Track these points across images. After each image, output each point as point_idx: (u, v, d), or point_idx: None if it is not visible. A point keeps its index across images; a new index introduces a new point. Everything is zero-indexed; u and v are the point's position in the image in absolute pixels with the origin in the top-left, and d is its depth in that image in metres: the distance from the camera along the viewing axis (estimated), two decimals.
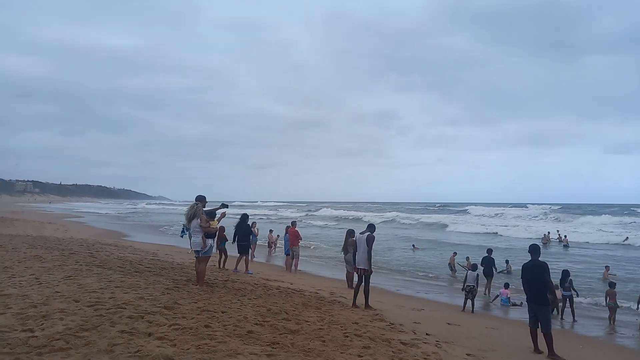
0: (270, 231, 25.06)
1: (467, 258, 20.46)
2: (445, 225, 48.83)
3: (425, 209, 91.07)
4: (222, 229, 16.18)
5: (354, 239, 13.86)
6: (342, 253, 14.23)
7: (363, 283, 10.10)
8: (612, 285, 12.87)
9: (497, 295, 14.64)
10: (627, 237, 34.05)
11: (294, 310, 8.22)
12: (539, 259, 7.97)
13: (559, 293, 12.70)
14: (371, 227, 10.71)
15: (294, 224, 17.84)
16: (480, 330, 9.41)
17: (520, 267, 8.69)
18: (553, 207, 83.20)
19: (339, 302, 10.14)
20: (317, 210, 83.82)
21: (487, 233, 41.00)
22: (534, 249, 8.08)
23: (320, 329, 7.03)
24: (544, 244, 30.62)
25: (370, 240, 10.22)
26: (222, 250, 15.15)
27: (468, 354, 7.03)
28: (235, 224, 15.56)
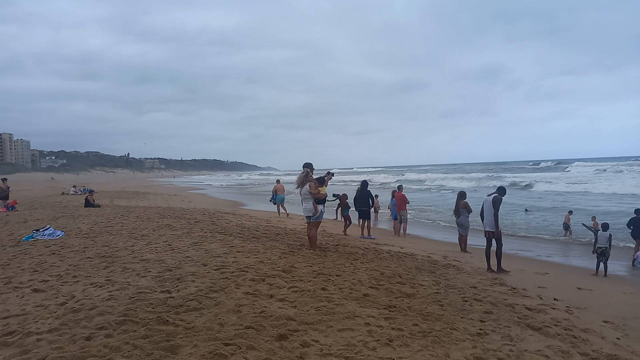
0: (376, 196, 25.03)
1: (594, 218, 18.74)
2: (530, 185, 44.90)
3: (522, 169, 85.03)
4: (344, 196, 16.81)
5: (466, 200, 13.28)
6: (454, 216, 13.71)
7: (493, 246, 10.06)
8: None
9: (635, 258, 13.14)
10: None
11: (408, 274, 8.11)
12: None
13: None
14: (501, 190, 10.34)
15: (400, 187, 17.57)
16: (616, 296, 8.50)
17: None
18: None
19: (453, 266, 9.81)
20: (403, 175, 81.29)
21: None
22: None
23: (437, 292, 6.85)
24: None
25: (496, 202, 10.01)
26: (347, 217, 15.83)
27: (605, 321, 6.38)
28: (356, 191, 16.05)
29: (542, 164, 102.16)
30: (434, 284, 7.56)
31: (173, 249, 8.67)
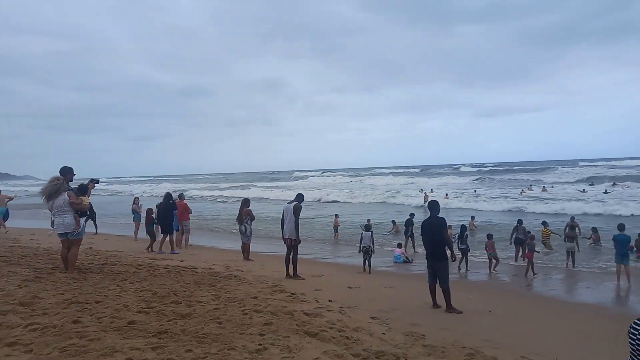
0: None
1: (394, 221, 21.53)
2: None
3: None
4: (149, 210, 15.29)
5: (249, 208, 13.20)
6: (237, 223, 13.47)
7: (292, 253, 10.22)
8: (489, 236, 13.88)
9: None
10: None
11: (185, 291, 7.37)
12: (438, 215, 8.01)
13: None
14: (300, 197, 10.43)
15: (181, 196, 16.59)
16: (380, 291, 9.42)
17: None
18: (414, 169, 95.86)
19: (235, 277, 9.45)
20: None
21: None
22: (433, 206, 8.11)
23: (215, 309, 6.31)
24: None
25: (297, 210, 10.09)
26: (151, 233, 14.45)
27: (372, 317, 6.85)
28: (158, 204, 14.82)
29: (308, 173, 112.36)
30: (214, 298, 7.02)
31: None
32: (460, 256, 13.38)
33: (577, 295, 10.94)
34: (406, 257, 14.77)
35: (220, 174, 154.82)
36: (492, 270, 13.10)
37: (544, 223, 16.32)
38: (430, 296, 8.04)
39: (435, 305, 7.94)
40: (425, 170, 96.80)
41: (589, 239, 16.50)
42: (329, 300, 7.68)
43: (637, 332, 4.89)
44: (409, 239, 17.06)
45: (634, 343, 4.90)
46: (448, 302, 7.72)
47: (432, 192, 39.61)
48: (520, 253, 14.48)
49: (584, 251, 15.15)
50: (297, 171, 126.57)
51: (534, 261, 12.67)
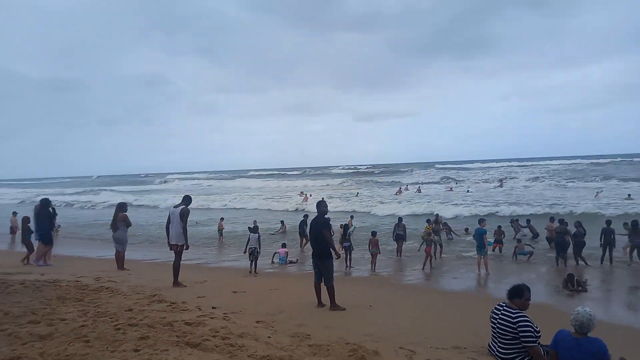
0: (14, 213, 20.81)
1: (282, 222, 21.56)
2: None
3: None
4: (26, 219, 13.70)
5: (125, 213, 12.20)
6: (111, 230, 12.36)
7: (175, 258, 9.66)
8: (373, 234, 14.59)
9: (275, 252, 15.07)
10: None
11: (46, 308, 6.52)
12: (325, 215, 8.11)
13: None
14: (187, 200, 9.73)
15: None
16: (266, 293, 9.30)
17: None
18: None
19: (107, 289, 8.63)
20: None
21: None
22: (319, 205, 8.21)
23: (82, 326, 5.65)
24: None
25: (184, 214, 9.48)
26: (28, 245, 12.83)
27: (258, 321, 6.69)
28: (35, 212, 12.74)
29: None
30: (81, 314, 6.30)
31: None
32: (344, 254, 13.89)
33: (447, 284, 11.93)
34: (291, 259, 14.88)
35: (76, 177, 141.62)
36: (374, 268, 13.75)
37: (428, 220, 17.62)
38: (316, 295, 8.14)
39: (320, 304, 8.05)
40: (305, 172, 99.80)
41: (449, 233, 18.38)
42: (213, 307, 7.36)
43: (497, 316, 5.44)
44: (304, 238, 17.36)
45: (494, 325, 5.44)
46: (332, 300, 7.87)
47: (357, 194, 40.54)
48: (420, 247, 15.39)
49: (449, 242, 16.68)
50: (171, 174, 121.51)
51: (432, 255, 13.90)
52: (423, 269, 13.50)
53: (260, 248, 13.19)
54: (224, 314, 6.95)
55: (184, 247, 9.61)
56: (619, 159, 79.20)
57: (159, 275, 10.78)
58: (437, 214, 19.63)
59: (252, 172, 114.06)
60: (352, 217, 20.94)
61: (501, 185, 45.83)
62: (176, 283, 9.56)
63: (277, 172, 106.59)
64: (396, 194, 40.36)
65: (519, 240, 15.65)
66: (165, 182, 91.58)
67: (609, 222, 14.39)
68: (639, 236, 13.59)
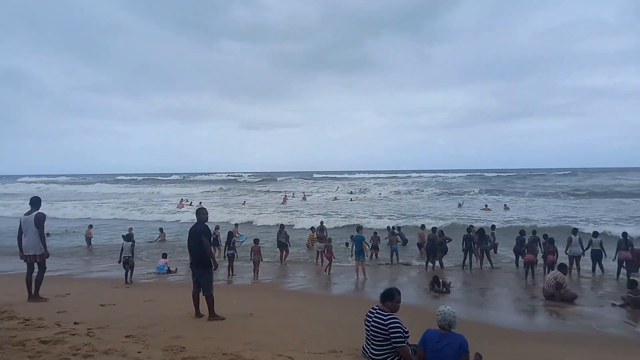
0: None
1: (161, 229, 20.34)
2: None
3: None
4: None
5: None
6: None
7: (37, 270, 8.56)
8: (256, 241, 14.50)
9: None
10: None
11: None
12: (204, 222, 7.81)
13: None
14: (35, 203, 8.51)
15: None
16: (139, 305, 8.69)
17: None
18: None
19: None
20: None
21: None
22: (198, 212, 7.88)
23: None
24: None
25: (40, 221, 8.37)
26: None
27: (127, 336, 6.20)
28: None
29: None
30: None
31: None
32: (227, 262, 13.66)
33: (327, 290, 12.27)
34: (171, 269, 14.18)
35: None
36: (256, 276, 13.63)
37: (312, 228, 17.91)
38: (194, 305, 7.79)
39: (198, 314, 7.72)
40: (184, 179, 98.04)
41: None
42: (75, 323, 6.66)
43: (370, 319, 5.69)
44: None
45: (368, 327, 5.68)
46: (211, 310, 7.60)
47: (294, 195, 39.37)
48: (322, 254, 15.61)
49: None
50: (22, 176, 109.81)
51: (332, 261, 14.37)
52: (326, 272, 14.17)
53: (133, 257, 12.38)
54: (88, 329, 6.33)
55: (45, 256, 8.53)
56: (477, 174, 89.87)
57: (12, 288, 9.52)
58: (321, 222, 20.15)
59: (121, 177, 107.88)
60: (236, 225, 20.62)
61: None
62: (35, 297, 8.48)
63: (153, 178, 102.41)
64: (282, 202, 40.68)
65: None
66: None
67: (469, 230, 16.02)
68: (486, 241, 15.35)
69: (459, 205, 36.08)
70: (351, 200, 42.92)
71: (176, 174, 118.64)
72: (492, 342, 7.47)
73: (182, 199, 40.71)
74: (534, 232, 15.69)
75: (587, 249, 14.28)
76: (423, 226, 19.03)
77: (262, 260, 14.23)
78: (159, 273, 13.84)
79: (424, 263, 15.21)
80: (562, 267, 11.63)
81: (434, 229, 16.25)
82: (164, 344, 5.86)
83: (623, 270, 13.47)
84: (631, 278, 11.77)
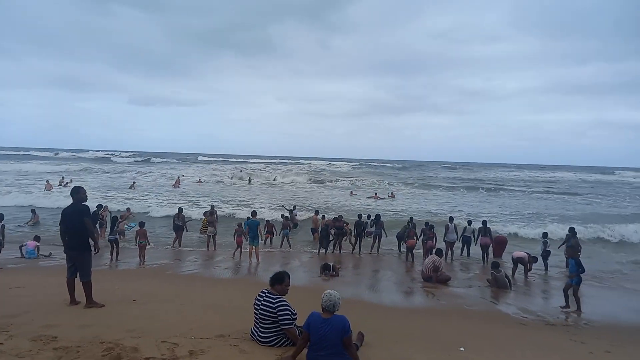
0: None
1: (34, 210, 19.37)
2: None
3: None
4: None
5: None
6: None
7: None
8: (141, 224, 13.80)
9: (22, 245, 12.98)
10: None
11: None
12: (83, 203, 7.20)
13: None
14: None
15: None
16: (5, 292, 7.83)
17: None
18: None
19: None
20: None
21: None
22: (75, 192, 7.25)
23: None
24: None
25: None
26: None
27: None
28: None
29: None
30: None
31: None
32: (110, 246, 12.87)
33: (219, 274, 12.09)
34: (42, 253, 12.96)
35: None
36: (143, 261, 12.99)
37: (205, 213, 17.42)
38: (69, 292, 7.20)
39: (74, 301, 7.15)
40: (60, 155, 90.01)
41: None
42: None
43: (259, 302, 5.74)
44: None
45: (257, 310, 5.73)
46: (89, 297, 7.09)
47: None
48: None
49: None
50: None
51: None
52: (233, 257, 14.23)
53: (4, 240, 11.12)
54: None
55: None
56: (371, 163, 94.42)
57: None
58: (212, 206, 19.70)
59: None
60: (129, 209, 19.36)
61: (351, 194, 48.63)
62: None
63: (27, 153, 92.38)
64: (174, 185, 38.88)
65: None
66: None
67: (360, 216, 16.79)
68: (378, 228, 16.21)
69: (351, 193, 37.57)
70: (249, 183, 42.64)
71: (51, 149, 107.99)
72: (376, 319, 7.96)
73: (63, 179, 37.03)
74: (411, 218, 16.83)
75: (461, 235, 15.78)
76: (317, 212, 19.52)
77: (149, 244, 13.57)
78: (28, 257, 12.56)
79: (317, 248, 15.69)
80: (439, 252, 12.72)
81: (340, 217, 16.66)
82: (33, 334, 5.37)
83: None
84: (494, 260, 13.23)
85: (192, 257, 14.14)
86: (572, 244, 12.71)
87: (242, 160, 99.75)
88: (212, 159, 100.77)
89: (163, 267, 12.54)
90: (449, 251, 15.57)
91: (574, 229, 15.14)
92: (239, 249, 14.40)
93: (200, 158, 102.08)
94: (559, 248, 14.74)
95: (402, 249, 16.08)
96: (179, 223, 15.99)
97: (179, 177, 43.13)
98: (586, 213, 29.16)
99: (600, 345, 7.11)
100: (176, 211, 16.67)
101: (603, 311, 9.79)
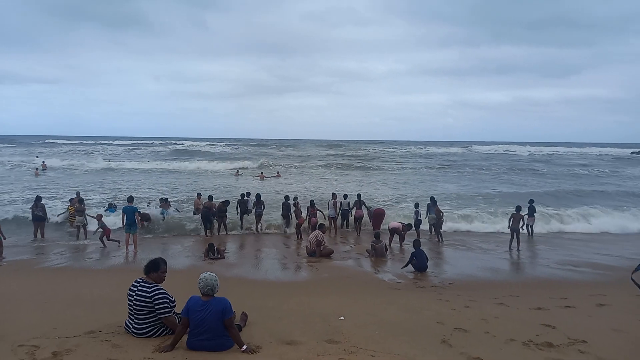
0: None
1: None
2: None
3: None
4: None
5: None
6: None
7: None
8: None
9: None
10: None
11: None
12: None
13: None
14: None
15: None
16: None
17: None
18: None
19: None
20: None
21: None
22: None
23: None
24: None
25: None
26: None
27: None
28: None
29: None
30: None
31: None
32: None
33: (90, 265, 11.19)
34: None
35: None
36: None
37: (71, 200, 15.92)
38: None
39: None
40: None
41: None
42: None
43: (133, 292, 5.40)
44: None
45: (131, 301, 5.38)
46: None
47: None
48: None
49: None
50: None
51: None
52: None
53: None
54: None
55: None
56: (254, 144, 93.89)
57: None
58: (78, 192, 18.02)
59: None
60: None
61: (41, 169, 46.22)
62: None
63: None
64: (36, 173, 34.74)
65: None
66: None
67: (242, 195, 16.69)
68: (260, 206, 16.26)
69: (236, 173, 37.06)
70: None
71: None
72: (260, 298, 7.99)
73: None
74: (295, 197, 17.17)
75: (340, 210, 16.57)
76: (199, 195, 18.91)
77: (4, 239, 12.03)
78: None
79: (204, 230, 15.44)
80: (322, 227, 13.14)
81: (210, 197, 16.36)
82: None
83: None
84: (375, 231, 14.09)
85: (59, 250, 12.84)
86: (434, 212, 15.22)
87: (101, 142, 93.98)
88: (66, 142, 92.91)
89: (22, 262, 11.22)
90: (332, 225, 16.21)
91: (434, 197, 16.68)
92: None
93: (48, 140, 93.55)
94: (426, 218, 16.08)
95: (287, 228, 16.37)
96: (40, 213, 14.44)
97: (38, 164, 38.64)
98: (450, 184, 32.24)
99: (461, 302, 7.95)
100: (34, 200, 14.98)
101: (463, 271, 10.98)
